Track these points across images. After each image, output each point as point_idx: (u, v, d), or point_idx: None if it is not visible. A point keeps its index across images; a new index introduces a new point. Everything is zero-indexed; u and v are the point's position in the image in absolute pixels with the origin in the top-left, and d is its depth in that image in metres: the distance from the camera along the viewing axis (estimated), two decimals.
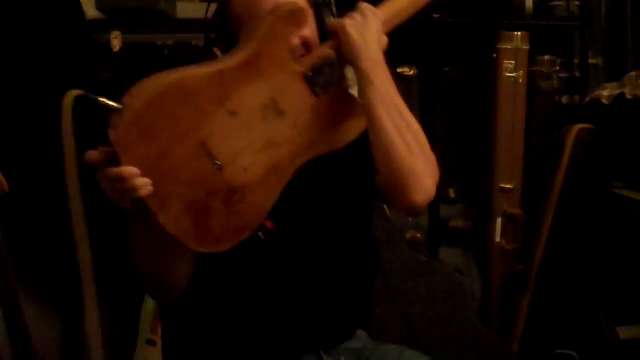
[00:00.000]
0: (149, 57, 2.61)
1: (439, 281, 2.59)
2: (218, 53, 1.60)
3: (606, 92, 2.63)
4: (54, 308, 2.58)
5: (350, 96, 1.57)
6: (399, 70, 2.82)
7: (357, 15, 1.55)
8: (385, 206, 2.50)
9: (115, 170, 1.37)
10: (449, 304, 2.60)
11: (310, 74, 1.53)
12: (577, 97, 2.86)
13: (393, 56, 2.69)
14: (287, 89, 1.51)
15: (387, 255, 2.49)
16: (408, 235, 2.71)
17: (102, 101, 1.41)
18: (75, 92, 1.63)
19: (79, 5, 2.69)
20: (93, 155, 1.38)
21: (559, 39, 2.87)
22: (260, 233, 1.54)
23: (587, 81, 2.86)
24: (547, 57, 2.81)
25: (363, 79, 1.52)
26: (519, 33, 2.70)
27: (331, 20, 1.60)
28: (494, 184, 2.74)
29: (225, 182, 1.46)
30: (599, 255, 2.63)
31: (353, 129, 1.55)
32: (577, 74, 2.87)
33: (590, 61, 2.88)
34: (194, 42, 2.57)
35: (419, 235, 2.73)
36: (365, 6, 1.56)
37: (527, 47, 2.72)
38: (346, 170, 1.63)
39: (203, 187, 1.45)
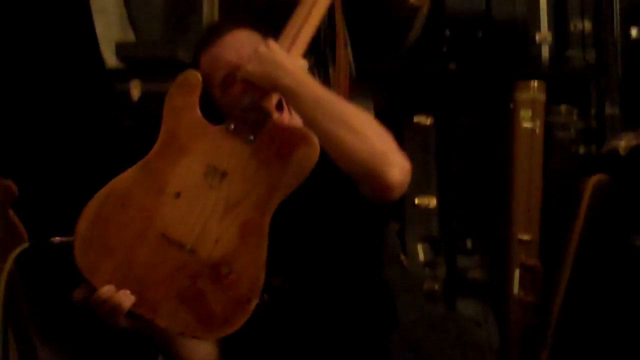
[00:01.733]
0: None
1: (456, 333, 2.56)
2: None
3: (623, 143, 2.62)
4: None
5: (285, 127, 1.54)
6: (415, 119, 2.81)
7: (254, 54, 1.54)
8: (402, 256, 2.50)
9: (93, 296, 1.40)
10: (466, 356, 2.57)
11: (232, 125, 1.51)
12: (594, 147, 2.85)
13: (410, 105, 2.72)
14: (218, 149, 1.50)
15: (403, 307, 2.47)
16: (425, 286, 2.69)
17: (56, 240, 1.47)
18: (23, 246, 1.66)
19: (99, 54, 2.72)
20: (76, 293, 1.42)
21: (575, 89, 2.88)
22: (264, 295, 1.50)
23: (604, 131, 2.85)
24: (563, 107, 2.81)
25: (289, 95, 1.51)
26: (536, 83, 2.71)
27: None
28: (512, 235, 2.73)
29: (204, 261, 1.45)
30: (619, 309, 2.60)
31: (306, 156, 1.49)
32: (594, 124, 2.87)
33: (607, 111, 2.87)
34: None
35: (436, 287, 2.71)
36: (259, 45, 1.56)
37: (543, 97, 2.72)
38: (327, 198, 1.60)
39: (185, 275, 1.44)
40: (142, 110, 2.66)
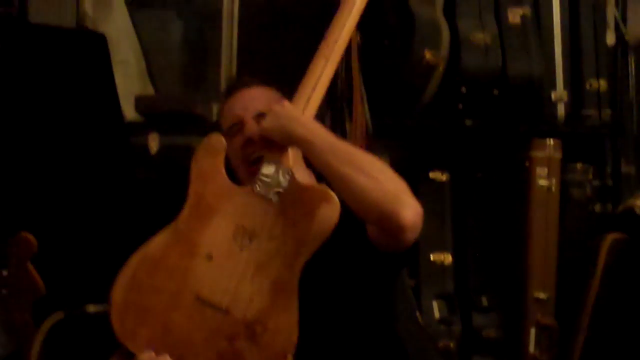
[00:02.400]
0: (185, 160, 2.64)
1: None
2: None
3: (639, 201, 2.62)
4: None
5: (307, 186, 1.58)
6: (431, 175, 2.82)
7: (270, 112, 1.62)
8: (418, 314, 2.49)
9: None
10: None
11: (257, 186, 1.55)
12: (610, 206, 2.85)
13: (426, 160, 2.73)
14: (245, 210, 1.53)
15: None
16: (440, 344, 2.67)
17: (91, 309, 1.49)
18: (57, 316, 1.68)
19: (119, 107, 2.75)
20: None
21: (591, 147, 2.88)
22: None
23: (620, 189, 2.86)
24: (579, 165, 2.81)
25: (303, 145, 1.58)
26: (552, 141, 2.72)
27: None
28: (528, 293, 2.70)
29: (239, 321, 1.47)
30: None
31: (328, 213, 1.52)
32: (610, 182, 2.87)
33: (623, 170, 2.88)
34: None
35: (451, 344, 2.69)
36: (274, 105, 1.63)
37: (559, 155, 2.73)
38: (340, 253, 1.62)
39: (221, 336, 1.46)
40: (160, 163, 2.68)
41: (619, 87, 2.87)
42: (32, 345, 1.77)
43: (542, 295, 2.70)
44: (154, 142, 2.69)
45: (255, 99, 1.76)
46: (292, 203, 1.53)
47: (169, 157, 2.67)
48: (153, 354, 1.44)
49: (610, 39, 2.94)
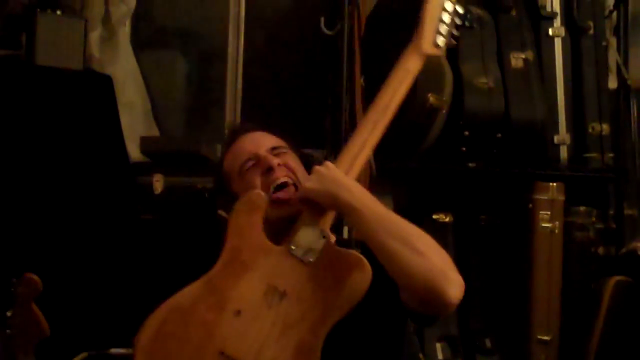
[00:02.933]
0: (189, 200, 2.66)
1: None
2: (223, 214, 1.64)
3: None
4: None
5: (342, 251, 1.55)
6: (434, 216, 2.82)
7: (314, 174, 1.58)
8: (421, 356, 2.48)
9: None
10: None
11: (293, 246, 1.53)
12: (613, 248, 2.85)
13: (429, 202, 2.73)
14: (278, 269, 1.51)
15: None
16: None
17: (115, 352, 1.49)
18: (82, 356, 1.67)
19: (124, 148, 2.77)
20: None
21: (594, 190, 2.89)
22: None
23: (623, 232, 2.86)
24: (582, 208, 2.82)
25: (348, 212, 1.53)
26: (555, 184, 2.73)
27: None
28: (532, 335, 2.70)
29: None
30: None
31: (360, 280, 1.50)
32: (613, 225, 2.87)
33: (626, 212, 2.88)
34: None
35: None
36: (318, 167, 1.59)
37: (562, 198, 2.73)
38: (374, 317, 1.60)
39: None
40: (164, 203, 2.69)
41: (621, 131, 2.88)
42: None
43: (546, 337, 2.69)
44: (158, 182, 2.70)
45: (265, 137, 1.74)
46: (325, 267, 1.52)
47: (173, 197, 2.68)
48: None
49: (613, 83, 2.97)
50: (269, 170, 1.65)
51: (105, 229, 2.55)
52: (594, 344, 2.62)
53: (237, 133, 1.79)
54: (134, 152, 2.84)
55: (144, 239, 2.59)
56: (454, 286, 1.48)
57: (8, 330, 1.89)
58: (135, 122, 3.00)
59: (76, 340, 2.25)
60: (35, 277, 1.88)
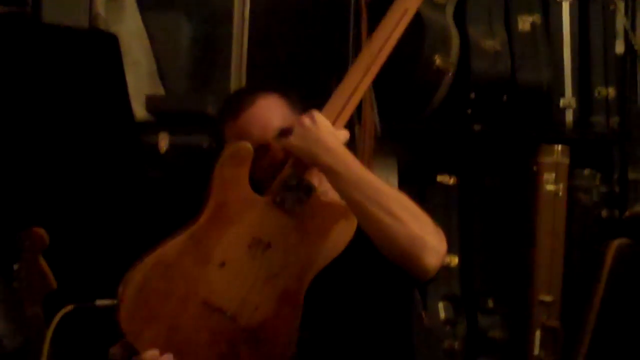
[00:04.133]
0: (195, 159, 2.66)
1: None
2: None
3: None
4: None
5: (327, 201, 1.56)
6: (439, 178, 2.83)
7: (297, 128, 1.56)
8: (423, 313, 2.49)
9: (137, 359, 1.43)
10: None
11: (278, 198, 1.53)
12: (616, 212, 2.86)
13: (433, 164, 2.74)
14: (263, 222, 1.52)
15: None
16: (445, 344, 2.68)
17: (99, 303, 1.50)
18: (68, 308, 1.68)
19: (130, 107, 2.77)
20: (114, 350, 1.46)
21: (598, 154, 2.90)
22: None
23: (627, 196, 2.87)
24: (587, 171, 2.82)
25: (329, 174, 1.53)
26: (559, 147, 2.73)
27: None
28: (533, 295, 2.71)
29: (243, 328, 1.49)
30: None
31: (344, 231, 1.53)
32: (617, 189, 2.88)
33: (630, 176, 2.88)
34: None
35: (456, 345, 2.70)
36: (304, 118, 1.56)
37: (567, 161, 2.74)
38: (358, 259, 1.60)
39: (224, 341, 1.49)
40: (169, 162, 2.69)
41: (627, 95, 2.87)
42: (44, 338, 1.76)
43: (547, 298, 2.71)
44: (163, 142, 2.71)
45: (271, 114, 1.67)
46: (310, 217, 1.53)
47: (179, 156, 2.68)
48: (157, 352, 1.45)
49: (620, 47, 2.96)
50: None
51: (111, 186, 2.56)
52: (595, 305, 2.64)
53: (242, 102, 1.72)
54: (139, 111, 2.84)
55: (149, 196, 2.60)
56: (431, 254, 1.48)
57: (15, 283, 1.91)
58: (140, 82, 2.99)
59: (83, 294, 2.28)
60: (42, 231, 1.90)
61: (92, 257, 2.42)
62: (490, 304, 2.80)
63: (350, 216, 1.53)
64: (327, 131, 1.54)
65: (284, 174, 1.56)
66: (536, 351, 2.71)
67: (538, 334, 2.71)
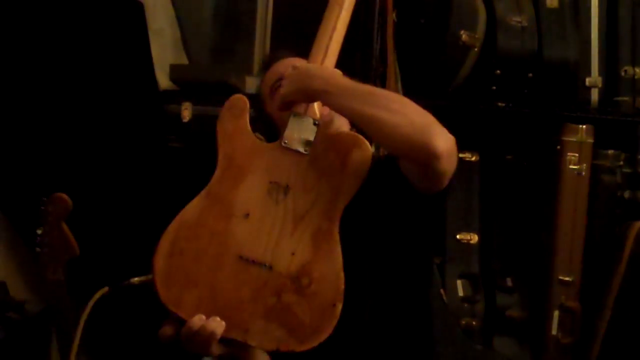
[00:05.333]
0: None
1: None
2: (259, 136, 1.64)
3: None
4: None
5: (335, 134, 1.59)
6: (461, 155, 2.81)
7: (284, 79, 1.61)
8: (442, 290, 2.50)
9: (184, 328, 1.43)
10: None
11: (286, 140, 1.55)
12: (639, 193, 2.84)
13: (457, 141, 2.71)
14: (276, 166, 1.54)
15: (440, 340, 2.46)
16: (463, 322, 2.68)
17: (135, 280, 1.50)
18: (103, 290, 1.68)
19: (154, 76, 2.77)
20: (165, 330, 1.44)
21: (623, 134, 2.87)
22: None
23: None
24: (611, 152, 2.79)
25: (323, 97, 1.55)
26: (584, 126, 2.70)
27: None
28: (553, 275, 2.70)
29: (285, 276, 1.48)
30: None
31: (360, 157, 1.53)
32: None
33: None
34: None
35: (474, 323, 2.70)
36: (286, 73, 1.62)
37: (591, 141, 2.71)
38: (376, 242, 1.63)
39: (268, 292, 1.47)
40: (192, 131, 2.70)
41: None
42: (79, 322, 1.76)
43: (567, 278, 2.70)
44: (186, 111, 2.71)
45: (296, 60, 1.75)
46: (323, 152, 1.54)
47: (201, 125, 2.69)
48: (204, 317, 1.44)
49: None
50: None
51: (134, 154, 2.58)
52: (615, 286, 2.63)
53: (272, 60, 1.85)
54: (163, 80, 2.85)
55: (172, 165, 2.62)
56: (438, 136, 1.47)
57: (38, 249, 1.93)
58: (164, 51, 2.99)
59: (104, 263, 2.29)
60: (65, 196, 1.91)
61: (115, 225, 2.44)
62: (509, 282, 2.79)
63: (362, 144, 1.53)
64: (311, 65, 1.60)
65: (287, 118, 1.58)
66: (554, 331, 2.70)
67: (556, 314, 2.70)
